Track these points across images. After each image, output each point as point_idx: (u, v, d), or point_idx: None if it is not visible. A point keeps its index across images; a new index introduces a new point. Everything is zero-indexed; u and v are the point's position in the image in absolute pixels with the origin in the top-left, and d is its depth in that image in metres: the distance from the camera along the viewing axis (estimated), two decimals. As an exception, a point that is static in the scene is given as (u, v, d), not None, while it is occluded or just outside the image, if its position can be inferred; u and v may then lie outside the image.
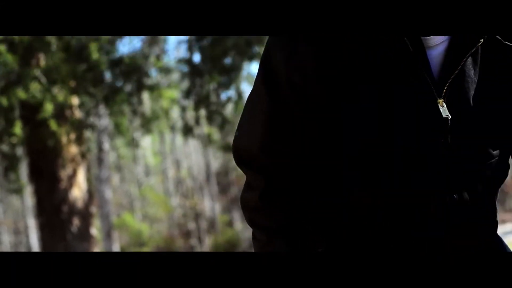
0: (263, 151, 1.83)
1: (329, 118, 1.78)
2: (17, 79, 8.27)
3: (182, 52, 10.83)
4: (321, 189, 1.84)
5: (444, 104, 1.77)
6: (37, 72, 8.33)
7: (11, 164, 9.47)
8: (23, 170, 11.30)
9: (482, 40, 1.79)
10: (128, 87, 8.99)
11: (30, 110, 8.67)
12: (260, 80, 1.84)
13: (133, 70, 8.88)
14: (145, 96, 9.63)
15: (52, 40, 8.26)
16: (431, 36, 1.78)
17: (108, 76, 8.96)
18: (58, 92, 8.43)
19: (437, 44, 1.79)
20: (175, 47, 14.06)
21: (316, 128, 1.80)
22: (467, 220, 1.82)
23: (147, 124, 9.64)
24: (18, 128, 8.67)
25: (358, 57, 1.76)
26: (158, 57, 9.47)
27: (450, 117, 1.77)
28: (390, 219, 1.80)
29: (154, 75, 9.80)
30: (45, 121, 8.41)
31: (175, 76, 10.37)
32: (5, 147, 9.46)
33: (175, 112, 11.91)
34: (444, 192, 1.80)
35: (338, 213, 1.83)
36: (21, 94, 8.13)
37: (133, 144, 10.99)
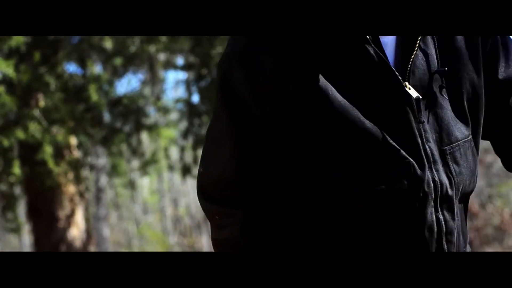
0: (239, 172, 1.75)
1: (303, 125, 1.73)
2: (16, 120, 8.31)
3: (181, 92, 10.89)
4: (307, 207, 1.76)
5: (411, 87, 1.78)
6: (36, 113, 8.37)
7: (9, 203, 9.46)
8: (21, 209, 11.29)
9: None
10: (127, 128, 9.02)
11: (29, 150, 8.70)
12: (221, 105, 1.77)
13: (131, 111, 8.92)
14: (144, 135, 9.66)
15: (51, 80, 8.31)
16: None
17: (106, 116, 9.00)
18: (57, 132, 8.46)
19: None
20: (173, 87, 14.09)
21: (292, 139, 1.74)
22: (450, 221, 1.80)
23: (145, 167, 9.65)
24: (16, 168, 8.68)
25: (322, 59, 1.74)
26: (157, 97, 9.52)
27: (420, 97, 1.78)
28: (386, 218, 1.76)
29: (152, 115, 9.83)
30: (44, 161, 8.43)
31: (174, 115, 10.40)
32: (3, 186, 9.46)
33: (173, 151, 11.94)
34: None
35: (332, 222, 1.76)
36: (20, 134, 8.16)
37: (131, 185, 10.98)
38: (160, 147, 10.01)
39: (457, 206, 1.81)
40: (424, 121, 1.78)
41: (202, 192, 1.80)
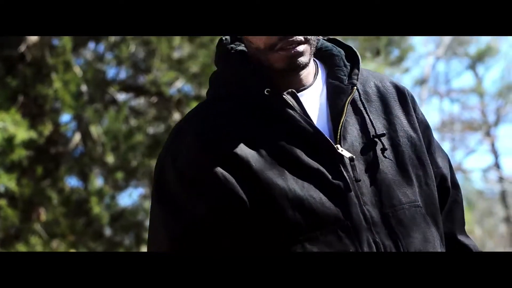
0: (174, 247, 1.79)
1: (238, 196, 1.76)
2: (17, 233, 8.27)
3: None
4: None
5: (343, 148, 1.81)
6: (37, 226, 8.34)
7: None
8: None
9: (356, 88, 1.90)
10: (127, 241, 8.98)
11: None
12: (153, 196, 1.86)
13: (132, 225, 8.90)
14: (144, 249, 9.60)
15: (53, 194, 8.32)
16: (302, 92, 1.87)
17: (107, 230, 8.97)
18: (58, 247, 8.41)
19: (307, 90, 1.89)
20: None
21: (231, 211, 1.76)
22: None
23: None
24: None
25: (246, 131, 1.80)
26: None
27: (354, 156, 1.81)
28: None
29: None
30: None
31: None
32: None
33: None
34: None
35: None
36: (20, 247, 8.11)
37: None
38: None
39: None
40: (360, 180, 1.80)
41: None
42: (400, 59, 12.86)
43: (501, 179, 22.21)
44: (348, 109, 1.88)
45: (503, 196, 23.50)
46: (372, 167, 1.83)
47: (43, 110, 8.42)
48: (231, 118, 1.84)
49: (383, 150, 1.86)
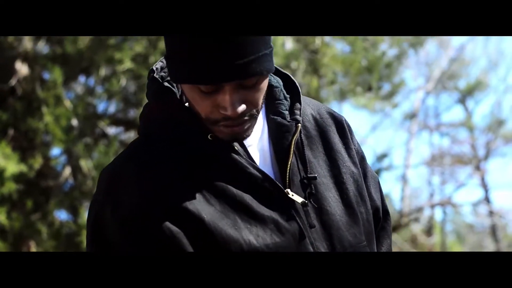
0: None
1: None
2: (6, 267, 8.24)
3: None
4: None
5: (293, 193, 1.75)
6: (27, 260, 8.31)
7: None
8: None
9: (300, 125, 1.80)
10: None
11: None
12: (88, 243, 1.78)
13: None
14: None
15: (43, 228, 8.31)
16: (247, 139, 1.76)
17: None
18: (47, 280, 8.37)
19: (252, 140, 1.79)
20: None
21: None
22: None
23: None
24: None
25: (189, 175, 1.71)
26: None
27: (306, 201, 1.75)
28: None
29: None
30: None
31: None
32: None
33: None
34: None
35: None
36: (10, 281, 8.07)
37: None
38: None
39: None
40: (315, 226, 1.75)
41: None
42: (391, 94, 12.91)
43: (491, 213, 22.23)
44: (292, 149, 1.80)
45: (493, 230, 23.52)
46: (320, 210, 1.78)
47: (34, 143, 8.43)
48: (173, 164, 1.73)
49: (329, 190, 1.81)
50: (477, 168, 23.22)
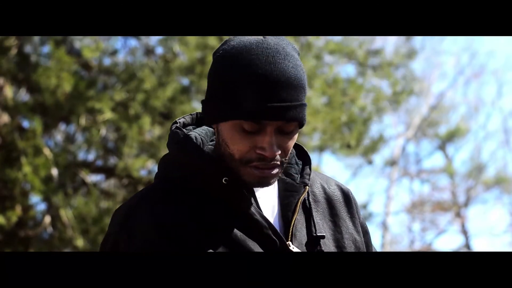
0: None
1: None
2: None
3: None
4: None
5: (294, 246, 1.85)
6: None
7: None
8: None
9: (308, 187, 1.92)
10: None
11: None
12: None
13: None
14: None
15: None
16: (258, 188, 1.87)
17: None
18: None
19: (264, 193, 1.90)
20: None
21: None
22: None
23: None
24: None
25: (200, 219, 1.81)
26: None
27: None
28: None
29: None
30: None
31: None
32: None
33: None
34: None
35: None
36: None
37: None
38: None
39: None
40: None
41: None
42: (371, 149, 12.94)
43: (472, 260, 22.18)
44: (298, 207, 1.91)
45: (474, 276, 23.43)
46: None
47: (13, 193, 8.37)
48: (184, 203, 1.85)
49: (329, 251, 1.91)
50: (458, 214, 23.27)
